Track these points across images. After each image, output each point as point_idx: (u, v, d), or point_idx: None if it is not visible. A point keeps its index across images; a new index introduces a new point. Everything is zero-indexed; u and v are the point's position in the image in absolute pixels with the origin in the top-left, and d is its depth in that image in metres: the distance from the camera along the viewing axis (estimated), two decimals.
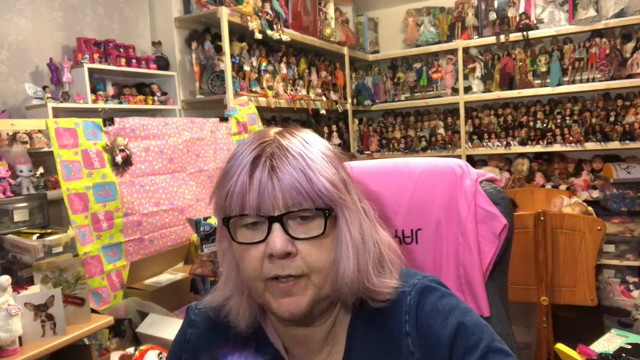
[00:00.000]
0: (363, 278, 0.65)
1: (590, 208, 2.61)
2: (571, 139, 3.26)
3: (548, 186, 3.38)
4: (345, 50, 3.78)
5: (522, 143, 3.46)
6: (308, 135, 0.66)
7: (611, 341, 1.64)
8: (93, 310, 1.58)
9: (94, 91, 2.38)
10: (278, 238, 0.59)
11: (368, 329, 0.68)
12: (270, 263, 0.61)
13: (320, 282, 0.62)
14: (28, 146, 2.02)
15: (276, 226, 0.60)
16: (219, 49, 2.65)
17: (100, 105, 2.37)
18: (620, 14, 3.17)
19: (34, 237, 1.67)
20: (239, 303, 0.69)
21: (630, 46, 3.20)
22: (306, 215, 0.61)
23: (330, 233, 0.63)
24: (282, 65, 3.11)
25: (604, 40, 3.25)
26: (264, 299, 0.64)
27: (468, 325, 0.63)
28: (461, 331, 0.63)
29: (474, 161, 3.78)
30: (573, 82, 3.36)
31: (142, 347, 1.50)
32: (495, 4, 3.61)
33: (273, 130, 0.66)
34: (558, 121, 3.38)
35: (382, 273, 0.67)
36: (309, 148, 0.62)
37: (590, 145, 3.22)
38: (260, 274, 0.62)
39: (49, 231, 1.76)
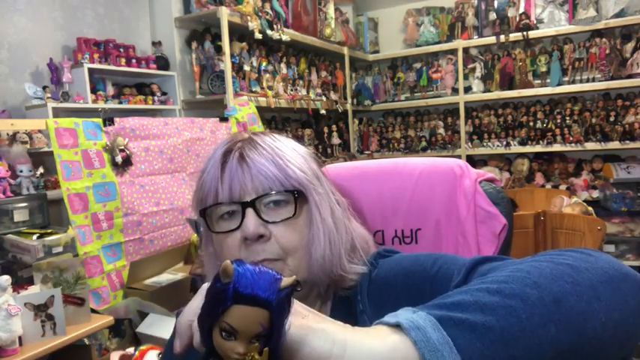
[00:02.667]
0: (336, 262, 0.66)
1: (590, 208, 2.61)
2: (571, 139, 3.26)
3: (548, 186, 3.38)
4: (345, 50, 3.78)
5: (522, 143, 3.46)
6: (281, 135, 0.69)
7: None
8: (93, 310, 1.58)
9: (94, 91, 2.38)
10: (250, 221, 0.61)
11: (345, 318, 0.68)
12: (247, 250, 0.63)
13: (295, 265, 0.64)
14: (28, 146, 2.02)
15: (250, 211, 0.62)
16: (219, 49, 2.65)
17: (100, 105, 2.37)
18: (620, 14, 3.17)
19: (34, 237, 1.67)
20: None
21: (630, 46, 3.20)
22: (278, 199, 0.64)
23: (300, 214, 0.65)
24: (282, 65, 3.11)
25: (604, 40, 3.25)
26: None
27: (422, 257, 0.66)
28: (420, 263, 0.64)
29: (473, 161, 3.78)
30: (573, 82, 3.36)
31: (142, 347, 1.50)
32: (495, 4, 3.61)
33: (247, 133, 0.70)
34: (558, 121, 3.38)
35: (353, 260, 0.69)
36: (279, 143, 0.67)
37: (590, 145, 3.22)
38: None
39: (49, 231, 1.76)
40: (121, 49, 2.54)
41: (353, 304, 0.68)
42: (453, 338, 0.40)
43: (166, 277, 1.99)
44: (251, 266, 0.40)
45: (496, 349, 0.40)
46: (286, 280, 0.40)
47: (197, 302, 0.45)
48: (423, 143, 3.80)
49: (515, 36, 3.45)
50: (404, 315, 0.43)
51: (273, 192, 0.63)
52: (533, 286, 0.44)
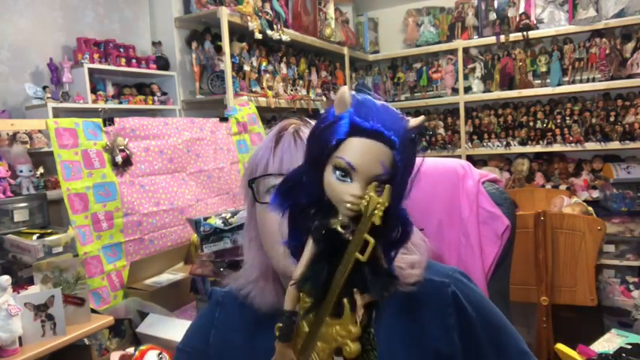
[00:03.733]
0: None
1: (590, 208, 2.61)
2: (571, 139, 3.26)
3: (548, 186, 3.38)
4: (345, 50, 3.78)
5: (522, 143, 3.45)
6: None
7: (611, 341, 1.64)
8: (93, 310, 1.58)
9: (94, 91, 2.38)
10: None
11: (399, 311, 0.64)
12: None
13: None
14: (28, 146, 2.02)
15: None
16: (219, 49, 2.65)
17: (100, 105, 2.37)
18: (620, 14, 3.17)
19: (34, 237, 1.66)
20: (263, 286, 0.70)
21: (630, 46, 3.20)
22: None
23: None
24: (282, 65, 3.11)
25: (604, 40, 3.25)
26: (282, 264, 0.62)
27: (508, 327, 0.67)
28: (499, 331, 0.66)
29: (474, 161, 3.78)
30: (573, 82, 3.36)
31: (142, 347, 1.49)
32: (495, 4, 3.61)
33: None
34: (558, 121, 3.38)
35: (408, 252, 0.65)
36: None
37: (590, 145, 3.22)
38: (279, 236, 0.61)
39: (49, 231, 1.76)
40: (121, 49, 2.54)
41: (429, 309, 0.63)
42: None
43: (166, 277, 1.99)
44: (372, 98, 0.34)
45: None
46: (414, 120, 0.34)
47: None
48: (423, 143, 3.79)
49: (515, 36, 3.44)
50: None
51: None
52: None
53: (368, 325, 0.35)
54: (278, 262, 0.64)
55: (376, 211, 0.31)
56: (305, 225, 0.36)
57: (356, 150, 0.32)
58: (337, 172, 0.32)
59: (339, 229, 0.33)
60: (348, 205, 0.32)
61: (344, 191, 0.32)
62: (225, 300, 0.77)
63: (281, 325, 0.37)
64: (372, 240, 0.31)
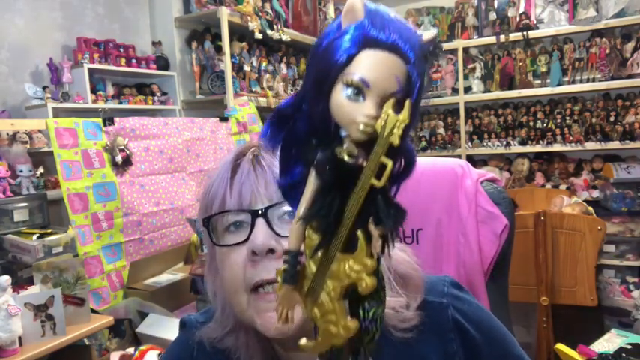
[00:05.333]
0: None
1: (590, 208, 2.61)
2: (571, 139, 3.26)
3: (548, 186, 3.38)
4: None
5: (522, 143, 3.45)
6: None
7: (611, 341, 1.64)
8: (93, 310, 1.58)
9: (94, 91, 2.38)
10: (260, 233, 0.53)
11: (396, 352, 0.57)
12: (253, 268, 0.54)
13: None
14: (28, 146, 2.02)
15: (260, 222, 0.53)
16: (219, 49, 2.65)
17: (100, 105, 2.37)
18: (620, 14, 3.16)
19: (34, 237, 1.67)
20: (245, 340, 0.59)
21: (630, 46, 3.20)
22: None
23: None
24: (282, 65, 3.11)
25: (604, 40, 3.25)
26: (247, 316, 0.55)
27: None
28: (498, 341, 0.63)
29: (474, 161, 3.78)
30: (573, 82, 3.36)
31: (142, 347, 1.50)
32: (495, 4, 3.61)
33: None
34: (558, 121, 3.38)
35: (392, 288, 0.57)
36: None
37: (590, 145, 3.21)
38: (242, 282, 0.54)
39: (49, 231, 1.76)
40: (121, 49, 2.54)
41: (432, 337, 0.58)
42: None
43: (166, 277, 1.99)
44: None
45: None
46: (428, 34, 0.32)
47: None
48: (423, 143, 3.79)
49: (515, 36, 3.44)
50: None
51: None
52: None
53: (378, 263, 0.31)
54: (242, 312, 0.56)
55: (395, 130, 0.28)
56: (304, 158, 0.32)
57: (370, 64, 0.28)
58: (349, 90, 0.28)
59: (347, 158, 0.30)
60: (362, 126, 0.28)
61: (357, 111, 0.28)
62: (203, 342, 0.62)
63: (285, 267, 0.33)
64: (389, 162, 0.28)
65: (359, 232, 0.30)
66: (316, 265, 0.33)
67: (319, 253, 0.33)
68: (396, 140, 0.28)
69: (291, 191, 0.35)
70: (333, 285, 0.32)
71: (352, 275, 0.31)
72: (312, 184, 0.32)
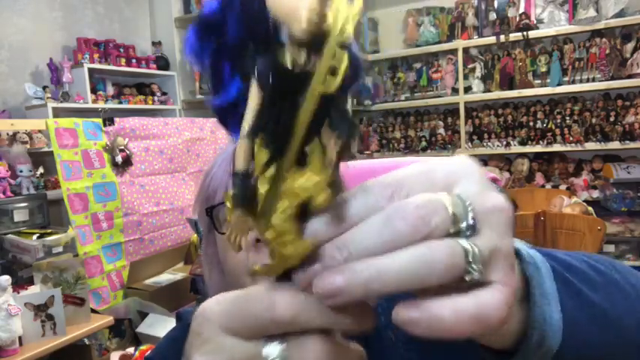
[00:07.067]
0: None
1: (590, 208, 2.61)
2: (571, 139, 3.26)
3: (548, 186, 3.38)
4: None
5: (522, 143, 3.45)
6: None
7: None
8: (93, 310, 1.58)
9: (94, 91, 2.38)
10: None
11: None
12: (257, 253, 0.55)
13: None
14: (28, 146, 2.02)
15: None
16: None
17: (100, 105, 2.37)
18: (620, 14, 3.16)
19: (34, 237, 1.67)
20: None
21: (630, 46, 3.20)
22: None
23: None
24: None
25: (604, 40, 3.25)
26: None
27: None
28: None
29: None
30: (573, 82, 3.36)
31: (142, 347, 1.50)
32: (495, 4, 3.61)
33: None
34: (558, 121, 3.38)
35: None
36: None
37: (590, 145, 3.21)
38: (245, 267, 0.56)
39: (49, 231, 1.76)
40: (121, 49, 2.54)
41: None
42: (560, 295, 0.36)
43: (166, 277, 1.99)
44: None
45: (592, 326, 0.37)
46: None
47: None
48: (423, 143, 3.79)
49: (515, 36, 3.44)
50: (521, 246, 0.37)
51: None
52: (628, 282, 0.41)
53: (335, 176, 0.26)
54: None
55: (347, 25, 0.24)
56: (241, 70, 0.28)
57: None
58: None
59: (290, 65, 0.25)
60: (305, 18, 0.23)
61: (299, 3, 0.23)
62: None
63: (233, 190, 0.29)
64: (344, 59, 0.24)
65: (312, 144, 0.27)
66: (268, 184, 0.29)
67: (270, 171, 0.28)
68: (348, 38, 0.24)
69: (228, 112, 0.30)
70: (286, 204, 0.28)
71: (306, 191, 0.27)
72: (255, 96, 0.27)
